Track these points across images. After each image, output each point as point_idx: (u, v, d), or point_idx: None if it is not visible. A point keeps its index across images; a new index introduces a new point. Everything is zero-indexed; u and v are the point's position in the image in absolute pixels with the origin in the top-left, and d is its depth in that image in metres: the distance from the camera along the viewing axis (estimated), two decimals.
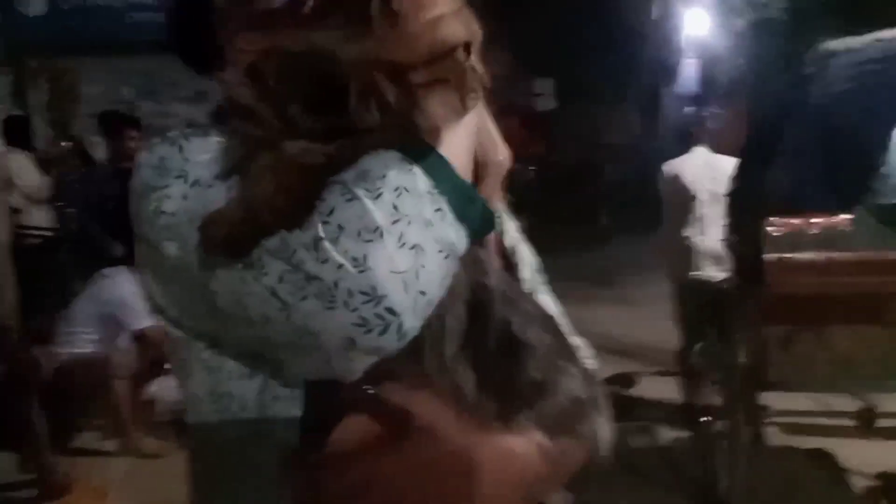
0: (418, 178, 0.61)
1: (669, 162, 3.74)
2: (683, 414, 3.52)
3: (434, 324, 0.62)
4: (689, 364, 3.60)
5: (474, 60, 0.62)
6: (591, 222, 9.32)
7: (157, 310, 0.70)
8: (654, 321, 4.67)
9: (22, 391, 2.82)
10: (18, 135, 4.37)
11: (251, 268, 0.59)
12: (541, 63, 9.91)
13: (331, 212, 0.59)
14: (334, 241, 0.58)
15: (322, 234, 0.58)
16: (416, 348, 0.61)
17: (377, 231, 0.58)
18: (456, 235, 0.61)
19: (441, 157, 0.63)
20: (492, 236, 0.74)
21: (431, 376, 0.62)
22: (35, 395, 2.82)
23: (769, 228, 2.49)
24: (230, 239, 0.60)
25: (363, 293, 0.57)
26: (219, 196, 0.62)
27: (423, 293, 0.60)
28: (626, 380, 4.20)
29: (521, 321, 0.67)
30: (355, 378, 0.61)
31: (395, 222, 0.59)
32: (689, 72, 9.61)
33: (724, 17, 8.91)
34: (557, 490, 0.72)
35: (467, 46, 0.61)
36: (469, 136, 0.68)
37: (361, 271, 0.57)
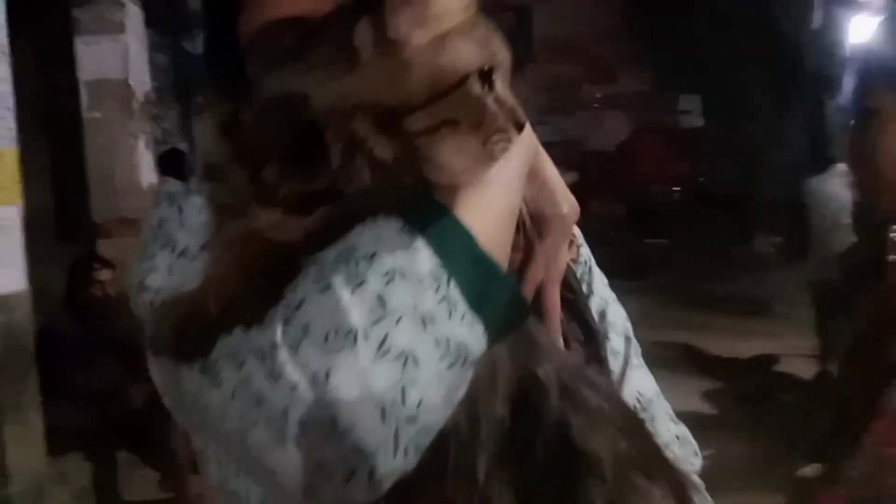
0: (420, 256, 0.45)
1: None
2: None
3: (463, 429, 0.47)
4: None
5: (500, 91, 0.47)
6: (745, 246, 8.70)
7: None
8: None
9: (165, 414, 2.95)
10: (174, 167, 4.64)
11: (207, 373, 0.46)
12: (686, 79, 9.44)
13: (299, 305, 0.45)
14: (294, 349, 0.43)
15: (279, 338, 0.44)
16: (439, 460, 0.46)
17: (350, 335, 0.43)
18: (470, 333, 0.46)
19: (457, 223, 0.47)
20: (554, 298, 0.59)
21: (457, 500, 0.47)
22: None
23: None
24: (177, 338, 0.48)
25: (318, 426, 0.42)
26: (199, 273, 0.51)
27: (411, 420, 0.44)
28: None
29: (585, 424, 0.50)
30: None
31: (377, 322, 0.44)
32: (853, 82, 8.80)
33: (893, 23, 8.13)
34: None
35: (486, 74, 0.46)
36: (508, 191, 0.52)
37: (319, 395, 0.42)
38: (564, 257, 0.61)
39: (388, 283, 0.45)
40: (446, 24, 0.46)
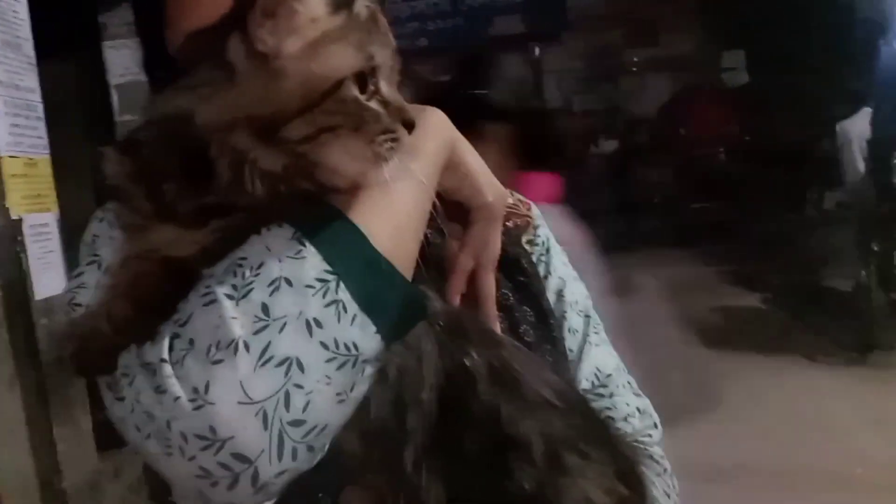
0: (307, 263, 0.46)
1: None
2: None
3: (390, 425, 0.49)
4: None
5: (384, 91, 0.47)
6: (798, 209, 8.41)
7: None
8: None
9: None
10: None
11: (112, 389, 0.51)
12: (729, 34, 9.12)
13: (187, 320, 0.47)
14: (179, 363, 0.46)
15: (165, 353, 0.47)
16: (366, 453, 0.49)
17: (231, 346, 0.45)
18: (361, 335, 0.47)
19: (349, 226, 0.48)
20: (488, 285, 0.58)
21: (387, 491, 0.50)
22: None
23: None
24: (79, 356, 0.51)
25: (199, 437, 0.45)
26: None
27: (297, 423, 0.46)
28: None
29: (514, 409, 0.51)
30: None
31: (259, 331, 0.45)
32: None
33: None
34: None
35: (363, 76, 0.46)
36: (413, 188, 0.52)
37: (198, 407, 0.45)
38: (497, 243, 0.61)
39: (273, 291, 0.46)
40: (315, 32, 0.46)
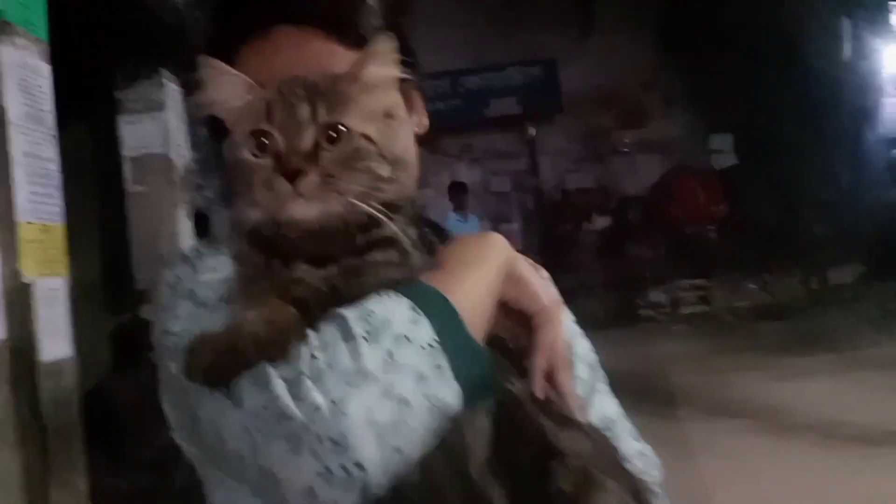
0: (423, 331, 0.59)
1: None
2: None
3: (452, 441, 0.57)
4: None
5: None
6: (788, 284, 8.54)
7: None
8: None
9: None
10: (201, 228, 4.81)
11: (230, 398, 0.58)
12: (717, 119, 9.45)
13: (324, 348, 0.57)
14: (317, 379, 0.55)
15: (306, 369, 0.56)
16: (427, 470, 0.57)
17: (365, 376, 0.56)
18: (451, 395, 0.58)
19: (452, 310, 0.61)
20: (568, 382, 0.68)
21: (449, 499, 0.57)
22: None
23: None
24: (212, 367, 0.58)
25: (332, 441, 0.54)
26: (220, 320, 0.62)
27: (398, 450, 0.56)
28: None
29: (555, 426, 0.61)
30: None
31: (386, 371, 0.56)
32: (892, 112, 8.71)
33: None
34: None
35: None
36: (488, 286, 0.65)
37: (336, 416, 0.54)
38: (561, 341, 0.70)
39: (397, 344, 0.58)
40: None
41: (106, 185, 3.91)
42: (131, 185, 3.99)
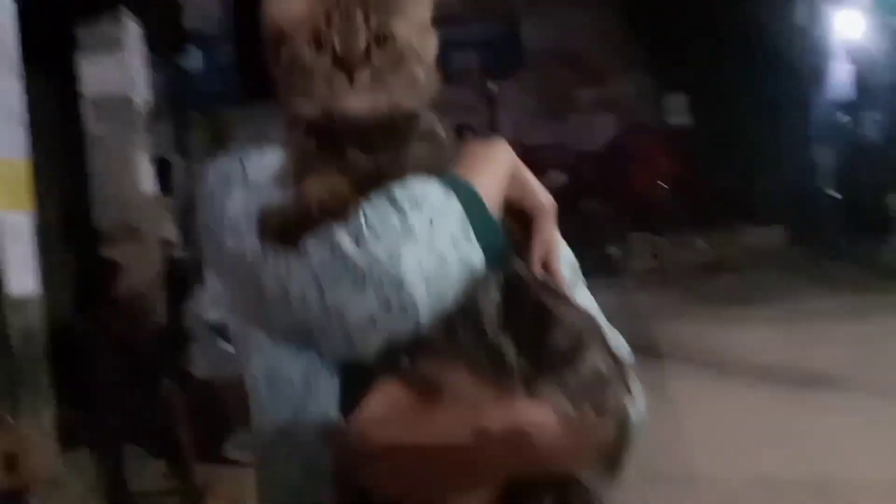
0: (454, 206, 0.73)
1: None
2: None
3: (469, 306, 0.70)
4: None
5: None
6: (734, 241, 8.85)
7: (220, 301, 0.81)
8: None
9: (172, 408, 3.12)
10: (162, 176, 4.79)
11: (298, 254, 0.70)
12: (673, 79, 9.61)
13: (378, 214, 0.70)
14: (375, 236, 0.69)
15: (364, 228, 0.69)
16: (449, 328, 0.70)
17: (412, 235, 0.70)
18: (476, 257, 0.72)
19: (475, 192, 0.75)
20: (557, 267, 0.82)
21: (468, 350, 0.68)
22: (183, 410, 3.11)
23: None
24: (284, 230, 0.71)
25: (391, 281, 0.68)
26: (274, 198, 0.73)
27: (440, 296, 0.69)
28: None
29: (553, 299, 0.73)
30: (371, 353, 0.70)
31: (429, 233, 0.70)
32: (841, 77, 8.97)
33: (879, 17, 8.30)
34: (588, 467, 0.73)
35: None
36: (498, 181, 0.79)
37: (394, 263, 0.68)
38: (556, 235, 0.84)
39: (437, 215, 0.71)
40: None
41: (67, 126, 3.86)
42: (92, 126, 3.95)
